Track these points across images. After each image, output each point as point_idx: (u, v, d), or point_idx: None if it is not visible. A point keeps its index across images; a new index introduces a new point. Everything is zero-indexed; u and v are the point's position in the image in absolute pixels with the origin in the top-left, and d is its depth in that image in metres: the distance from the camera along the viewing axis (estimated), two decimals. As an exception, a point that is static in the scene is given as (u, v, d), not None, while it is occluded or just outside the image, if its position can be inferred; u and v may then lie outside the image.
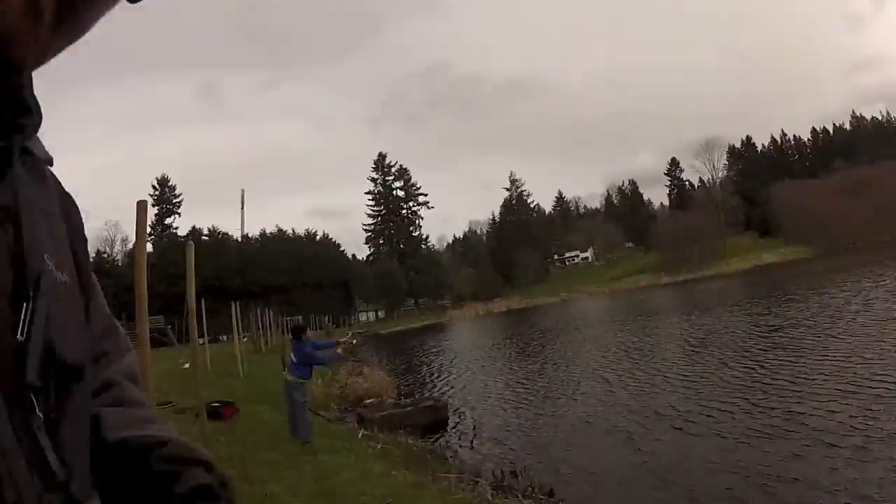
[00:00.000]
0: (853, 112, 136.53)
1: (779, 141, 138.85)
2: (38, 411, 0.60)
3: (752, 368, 17.39)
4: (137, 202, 6.03)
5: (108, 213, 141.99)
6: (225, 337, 41.76)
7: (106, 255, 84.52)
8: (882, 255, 51.72)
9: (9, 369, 0.57)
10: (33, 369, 0.59)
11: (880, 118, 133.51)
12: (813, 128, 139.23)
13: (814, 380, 14.55)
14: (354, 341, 18.66)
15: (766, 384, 15.10)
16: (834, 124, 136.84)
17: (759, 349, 20.32)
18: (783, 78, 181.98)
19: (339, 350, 12.68)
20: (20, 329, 0.59)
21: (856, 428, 10.31)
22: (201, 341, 26.69)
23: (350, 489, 7.62)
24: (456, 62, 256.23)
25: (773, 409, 12.70)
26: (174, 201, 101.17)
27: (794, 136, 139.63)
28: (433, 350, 42.87)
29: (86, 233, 0.84)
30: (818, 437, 10.33)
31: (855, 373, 14.15)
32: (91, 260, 0.88)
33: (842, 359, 16.08)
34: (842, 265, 51.98)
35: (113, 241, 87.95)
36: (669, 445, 11.61)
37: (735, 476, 9.40)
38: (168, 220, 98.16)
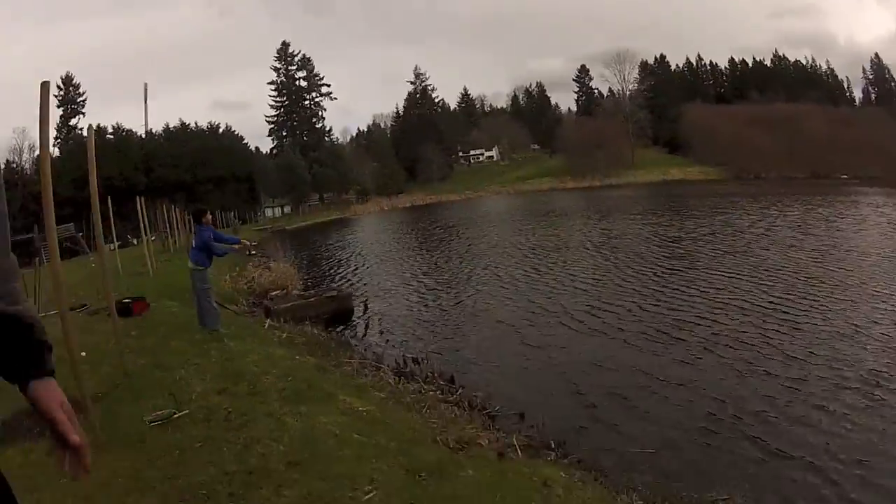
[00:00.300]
0: (776, 51, 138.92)
1: (694, 63, 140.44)
2: None
3: (647, 275, 18.22)
4: (41, 83, 5.67)
5: (15, 120, 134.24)
6: (135, 240, 41.24)
7: (15, 165, 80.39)
8: (791, 190, 53.78)
9: None
10: None
11: (805, 62, 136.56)
12: (731, 57, 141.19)
13: (706, 292, 15.26)
14: (256, 243, 19.01)
15: (657, 291, 15.85)
16: (754, 58, 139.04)
17: (656, 258, 21.31)
18: (708, 4, 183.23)
19: (238, 245, 12.70)
20: None
21: (741, 341, 10.89)
22: (111, 247, 26.70)
23: (254, 369, 8.17)
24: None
25: (663, 315, 13.37)
26: (78, 100, 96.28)
27: (711, 61, 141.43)
28: (338, 244, 43.13)
29: None
30: (703, 345, 10.90)
31: (747, 290, 14.94)
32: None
33: (737, 275, 16.94)
34: (750, 192, 53.80)
35: (21, 149, 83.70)
36: (561, 342, 12.17)
37: (617, 374, 9.97)
38: (73, 122, 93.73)
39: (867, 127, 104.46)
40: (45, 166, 6.09)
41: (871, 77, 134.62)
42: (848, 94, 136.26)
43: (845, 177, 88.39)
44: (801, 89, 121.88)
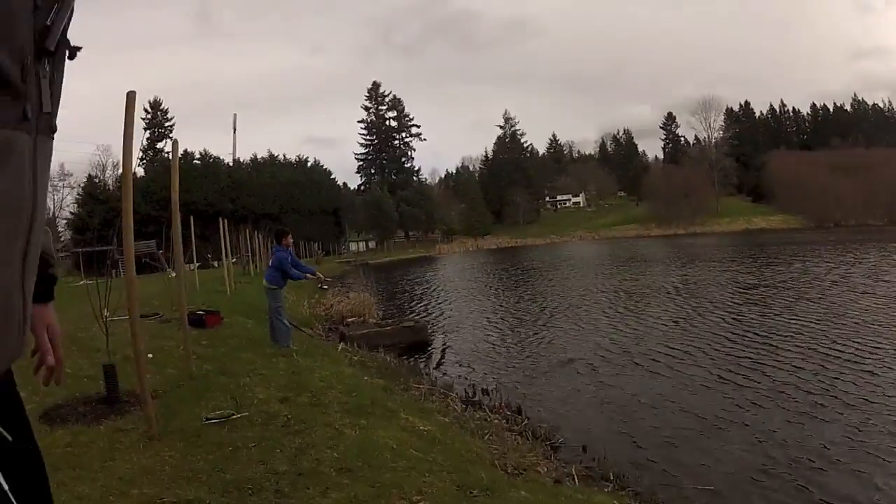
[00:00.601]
0: (854, 95, 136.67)
1: (777, 110, 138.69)
2: (46, 66, 1.10)
3: (720, 320, 17.73)
4: (127, 92, 5.74)
5: (100, 137, 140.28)
6: (216, 263, 42.20)
7: (98, 181, 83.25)
8: (869, 236, 52.34)
9: (40, 39, 1.05)
10: (52, 40, 1.08)
11: (882, 106, 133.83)
12: (813, 102, 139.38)
13: (777, 337, 14.79)
14: (330, 279, 19.18)
15: (729, 335, 15.41)
16: (834, 103, 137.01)
17: (730, 303, 20.80)
18: (789, 50, 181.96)
19: (312, 276, 12.69)
20: (49, 17, 1.06)
21: (814, 386, 10.45)
22: (190, 266, 27.33)
23: (319, 384, 8.12)
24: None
25: (733, 359, 12.99)
26: (166, 125, 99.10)
27: (794, 107, 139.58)
28: (419, 280, 43.35)
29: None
30: (776, 389, 10.49)
31: (821, 336, 14.35)
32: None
33: (809, 321, 16.34)
34: (829, 239, 52.59)
35: (104, 165, 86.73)
36: (632, 382, 11.92)
37: (683, 414, 9.67)
38: (160, 145, 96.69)
39: None
40: (127, 175, 6.19)
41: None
42: None
43: None
44: (880, 133, 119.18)
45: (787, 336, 14.83)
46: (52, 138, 1.18)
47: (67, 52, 1.18)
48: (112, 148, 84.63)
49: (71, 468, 4.67)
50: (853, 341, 13.58)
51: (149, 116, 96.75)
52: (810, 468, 7.30)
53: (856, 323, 15.74)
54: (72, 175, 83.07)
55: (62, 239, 72.22)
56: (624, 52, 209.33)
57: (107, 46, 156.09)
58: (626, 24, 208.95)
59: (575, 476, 6.76)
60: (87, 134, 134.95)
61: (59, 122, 1.18)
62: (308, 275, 12.22)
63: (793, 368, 11.74)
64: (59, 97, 1.19)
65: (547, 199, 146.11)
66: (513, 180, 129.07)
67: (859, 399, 9.55)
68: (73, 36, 1.15)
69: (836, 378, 10.84)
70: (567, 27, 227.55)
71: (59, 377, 1.61)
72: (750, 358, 12.99)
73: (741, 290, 23.88)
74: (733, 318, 17.90)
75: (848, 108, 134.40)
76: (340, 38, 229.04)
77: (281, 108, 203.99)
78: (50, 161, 1.20)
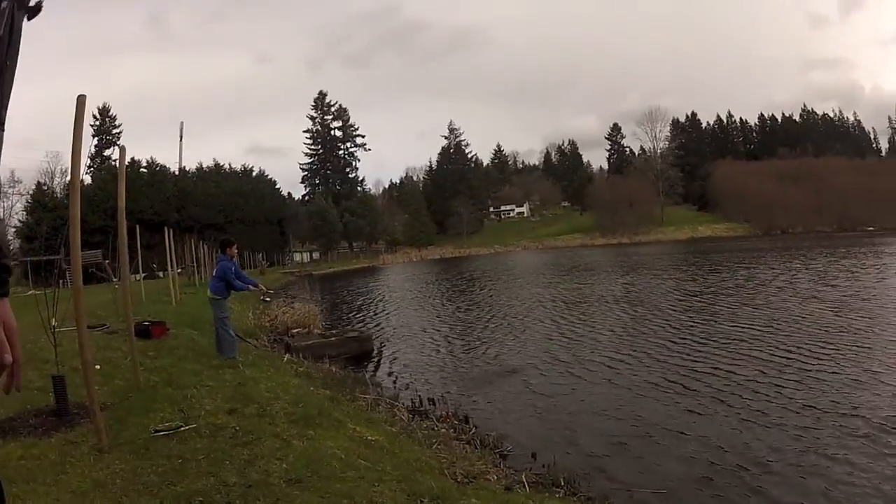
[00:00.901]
0: (804, 105, 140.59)
1: (724, 121, 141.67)
2: None
3: (663, 327, 18.01)
4: (78, 96, 5.65)
5: (49, 144, 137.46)
6: (162, 273, 41.53)
7: (46, 188, 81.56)
8: (817, 243, 53.70)
9: None
10: None
11: (832, 115, 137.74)
12: (761, 113, 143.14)
13: (724, 343, 14.99)
14: (272, 291, 19.07)
15: (672, 342, 15.62)
16: (783, 113, 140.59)
17: (674, 310, 21.19)
18: (739, 62, 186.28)
19: (255, 288, 12.38)
20: None
21: (756, 393, 10.56)
22: (136, 277, 26.98)
23: (266, 394, 8.14)
24: (406, 5, 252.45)
25: (681, 365, 13.13)
26: (114, 132, 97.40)
27: (741, 118, 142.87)
28: (364, 290, 43.31)
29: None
30: (720, 395, 10.62)
31: (765, 342, 14.62)
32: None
33: (754, 327, 16.70)
34: (776, 246, 53.89)
35: (53, 173, 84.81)
36: (578, 389, 12.02)
37: (636, 421, 9.74)
38: (108, 152, 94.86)
39: (894, 176, 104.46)
40: (75, 179, 6.14)
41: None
42: (875, 144, 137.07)
43: (872, 228, 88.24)
44: (829, 142, 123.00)
45: (730, 342, 15.13)
46: (3, 130, 1.21)
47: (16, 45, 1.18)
48: (61, 155, 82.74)
49: (25, 482, 4.67)
50: (798, 346, 13.93)
51: (97, 123, 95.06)
52: (756, 472, 7.43)
53: (799, 328, 16.18)
54: (21, 182, 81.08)
55: (11, 248, 70.21)
56: (570, 63, 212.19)
57: (58, 52, 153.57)
58: (572, 35, 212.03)
59: (525, 483, 6.85)
60: (36, 140, 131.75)
61: (7, 128, 1.22)
62: (250, 286, 12.15)
63: (736, 374, 11.95)
64: (10, 92, 1.21)
65: (491, 209, 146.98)
66: (457, 190, 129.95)
67: (803, 404, 9.77)
68: (24, 40, 1.20)
69: (781, 382, 11.10)
70: (513, 39, 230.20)
71: (19, 381, 1.50)
72: (693, 364, 13.22)
73: (683, 298, 24.41)
74: (676, 325, 18.23)
75: (797, 118, 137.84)
76: (288, 48, 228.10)
77: (227, 117, 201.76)
78: (0, 152, 1.22)
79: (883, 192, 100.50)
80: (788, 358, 12.95)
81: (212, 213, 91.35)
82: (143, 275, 29.77)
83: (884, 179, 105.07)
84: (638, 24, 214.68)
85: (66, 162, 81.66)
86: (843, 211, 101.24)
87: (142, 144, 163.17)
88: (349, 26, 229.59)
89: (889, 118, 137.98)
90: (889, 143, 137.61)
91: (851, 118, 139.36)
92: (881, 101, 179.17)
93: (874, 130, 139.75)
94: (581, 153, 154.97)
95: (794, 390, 10.60)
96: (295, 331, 19.34)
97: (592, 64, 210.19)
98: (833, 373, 11.51)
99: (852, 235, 73.69)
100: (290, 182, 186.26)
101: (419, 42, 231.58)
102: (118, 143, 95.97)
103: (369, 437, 7.06)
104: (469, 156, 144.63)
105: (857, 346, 13.48)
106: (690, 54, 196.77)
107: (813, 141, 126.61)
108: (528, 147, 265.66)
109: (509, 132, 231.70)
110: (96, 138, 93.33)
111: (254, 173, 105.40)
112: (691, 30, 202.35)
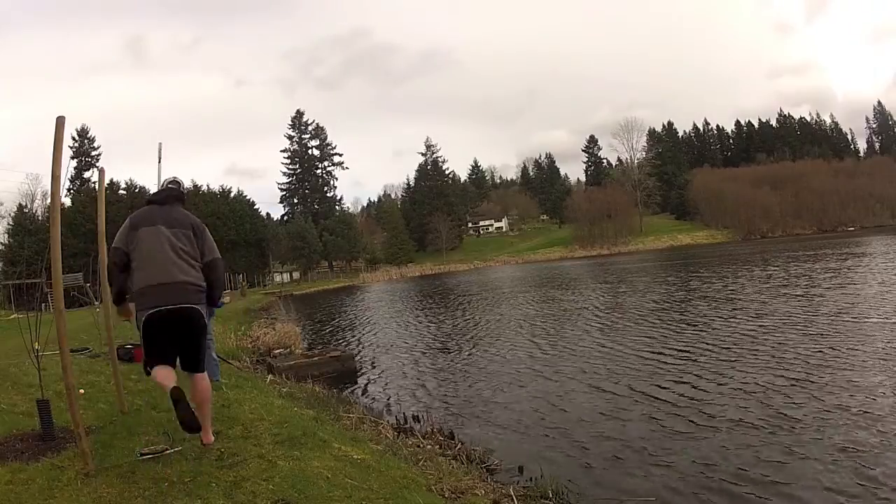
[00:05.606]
0: (781, 110, 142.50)
1: (701, 129, 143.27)
2: None
3: (649, 335, 18.26)
4: (57, 117, 5.50)
5: (29, 165, 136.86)
6: (144, 296, 40.91)
7: (27, 210, 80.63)
8: (797, 246, 54.11)
9: None
10: None
11: (809, 119, 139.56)
12: (737, 120, 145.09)
13: (706, 352, 14.99)
14: (227, 300, 19.21)
15: (656, 353, 15.59)
16: (759, 119, 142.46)
17: (657, 321, 21.20)
18: (708, 72, 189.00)
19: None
20: None
21: (745, 401, 10.55)
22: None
23: (250, 416, 8.09)
24: (376, 29, 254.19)
25: (661, 377, 13.11)
26: (93, 154, 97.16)
27: (717, 125, 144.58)
28: (344, 309, 43.47)
29: None
30: (701, 407, 10.58)
31: (747, 349, 14.71)
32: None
33: (734, 335, 16.74)
34: (756, 251, 54.37)
35: (34, 195, 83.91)
36: (562, 401, 12.07)
37: (623, 432, 9.77)
38: (87, 174, 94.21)
39: (872, 176, 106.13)
40: (56, 201, 6.10)
41: (874, 126, 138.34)
42: (852, 145, 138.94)
43: (852, 228, 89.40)
44: (807, 146, 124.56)
45: (714, 350, 15.19)
46: None
47: None
48: (41, 177, 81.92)
49: (12, 507, 4.63)
50: (785, 352, 14.00)
51: (76, 145, 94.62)
52: (744, 482, 7.45)
53: (785, 333, 16.25)
54: (2, 204, 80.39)
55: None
56: (538, 79, 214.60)
57: (37, 74, 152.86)
58: (537, 51, 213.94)
59: (513, 496, 6.88)
60: (16, 162, 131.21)
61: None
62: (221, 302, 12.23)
63: (721, 384, 11.97)
64: None
65: (469, 224, 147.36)
66: (435, 207, 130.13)
67: (792, 413, 9.76)
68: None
69: (763, 391, 11.10)
70: (478, 58, 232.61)
71: None
72: (679, 374, 13.24)
73: (664, 308, 24.53)
74: (658, 336, 18.25)
75: (774, 123, 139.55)
76: (262, 71, 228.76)
77: (205, 139, 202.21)
78: None
79: (862, 193, 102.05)
80: (770, 365, 12.96)
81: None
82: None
83: (862, 180, 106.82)
84: (604, 39, 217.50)
85: (47, 184, 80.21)
86: (823, 213, 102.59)
87: (121, 166, 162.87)
88: (321, 49, 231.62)
89: (867, 118, 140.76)
90: (867, 142, 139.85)
91: (829, 121, 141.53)
92: (855, 104, 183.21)
93: (851, 132, 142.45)
94: (558, 166, 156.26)
95: (784, 396, 10.66)
96: (277, 351, 19.33)
97: (558, 80, 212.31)
98: (820, 377, 11.58)
99: (832, 236, 74.68)
100: (270, 203, 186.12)
101: (391, 64, 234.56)
102: (97, 164, 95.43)
103: (355, 456, 7.06)
104: (446, 172, 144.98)
105: (839, 349, 13.59)
106: (659, 66, 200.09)
107: (790, 145, 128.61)
108: (505, 162, 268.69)
109: (484, 148, 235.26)
110: (75, 160, 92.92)
111: (232, 194, 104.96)
112: (658, 43, 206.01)
